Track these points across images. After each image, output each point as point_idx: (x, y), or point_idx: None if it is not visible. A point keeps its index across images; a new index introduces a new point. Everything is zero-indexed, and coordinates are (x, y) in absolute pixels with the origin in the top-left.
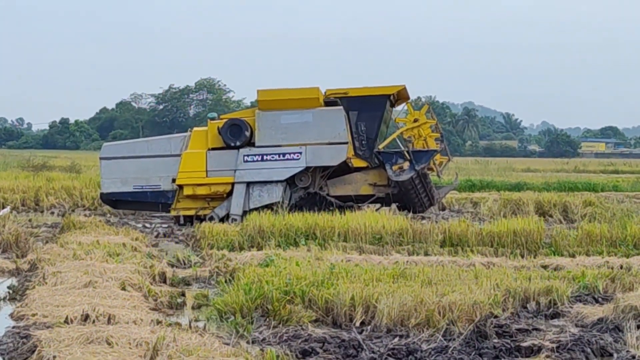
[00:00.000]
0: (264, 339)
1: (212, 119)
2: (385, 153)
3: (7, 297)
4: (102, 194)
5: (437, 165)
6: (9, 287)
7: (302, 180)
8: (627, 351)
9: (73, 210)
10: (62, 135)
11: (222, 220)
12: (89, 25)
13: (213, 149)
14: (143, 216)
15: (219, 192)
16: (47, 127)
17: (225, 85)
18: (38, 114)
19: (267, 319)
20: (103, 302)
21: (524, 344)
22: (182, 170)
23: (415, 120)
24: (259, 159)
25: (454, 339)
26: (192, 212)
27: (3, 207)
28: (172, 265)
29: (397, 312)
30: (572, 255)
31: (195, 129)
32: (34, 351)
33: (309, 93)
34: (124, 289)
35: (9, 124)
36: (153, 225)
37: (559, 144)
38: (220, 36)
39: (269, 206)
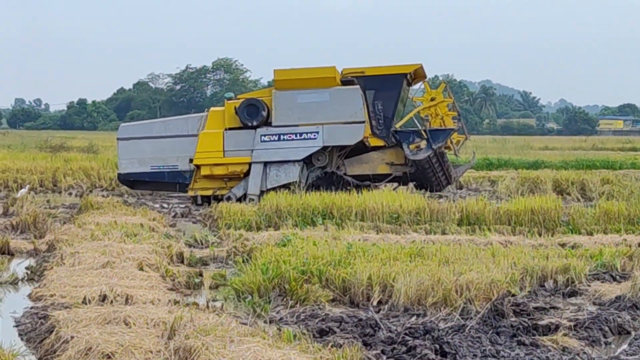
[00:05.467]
0: (281, 319)
1: (229, 98)
2: (402, 132)
3: (26, 278)
4: (119, 175)
5: (454, 144)
6: (27, 268)
7: (319, 159)
8: None
9: (91, 191)
10: (80, 116)
11: (239, 200)
12: (106, 4)
13: (230, 128)
14: (160, 196)
15: (237, 172)
16: (65, 108)
17: (242, 65)
18: (56, 95)
19: (285, 299)
20: (121, 283)
21: (542, 323)
22: (200, 150)
23: (433, 99)
24: (276, 138)
25: (472, 318)
26: (209, 192)
27: (21, 188)
28: (190, 245)
29: (414, 291)
30: (590, 234)
31: (212, 109)
32: (52, 331)
33: (326, 72)
34: (141, 269)
35: (27, 105)
36: (170, 206)
37: (577, 121)
38: (238, 15)
39: (286, 186)
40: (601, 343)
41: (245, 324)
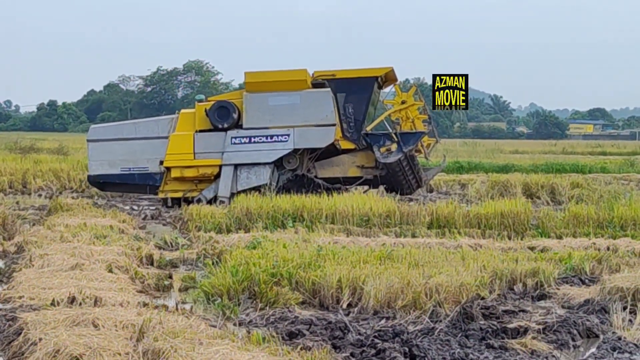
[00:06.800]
0: (250, 321)
1: (200, 101)
2: (373, 135)
3: None
4: (89, 177)
5: (424, 147)
6: None
7: (290, 162)
8: (613, 332)
9: (60, 193)
10: (50, 118)
11: (209, 202)
12: (76, 5)
13: (201, 131)
14: (131, 198)
15: (207, 174)
16: (35, 109)
17: (213, 67)
18: (26, 96)
19: (254, 301)
20: (90, 285)
21: (511, 326)
22: (170, 152)
23: (403, 102)
24: (247, 141)
25: (441, 321)
26: (179, 195)
27: None
28: (160, 248)
29: (384, 294)
30: (559, 237)
31: (182, 111)
32: (20, 333)
33: (297, 75)
34: (110, 271)
35: None
36: (140, 208)
37: (547, 125)
38: (209, 17)
39: (257, 188)
40: (570, 346)
41: (214, 326)
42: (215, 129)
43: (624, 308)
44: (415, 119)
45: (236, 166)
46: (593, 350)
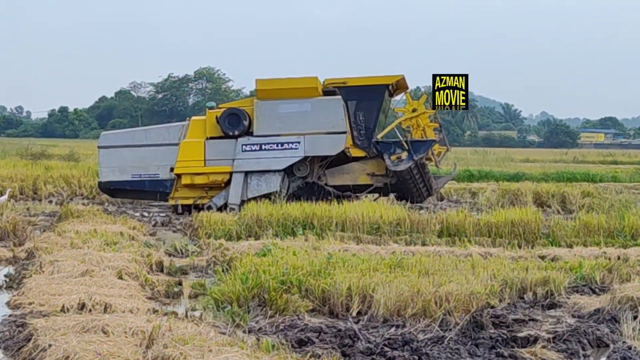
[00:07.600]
0: (260, 329)
1: (211, 108)
2: (383, 143)
3: (4, 286)
4: (100, 183)
5: (435, 155)
6: (6, 276)
7: (301, 169)
8: (624, 342)
9: (71, 199)
10: (61, 124)
11: (220, 209)
12: (88, 12)
13: (211, 138)
14: (141, 205)
15: (217, 182)
16: (47, 116)
17: (224, 74)
18: (37, 103)
19: (264, 309)
20: (100, 291)
21: (521, 335)
22: (181, 159)
23: (414, 110)
24: (257, 148)
25: (451, 329)
26: (190, 201)
27: (1, 195)
28: (170, 254)
29: (394, 302)
30: (570, 246)
31: (193, 118)
32: (29, 339)
33: (308, 82)
34: (120, 277)
35: (8, 112)
36: (151, 214)
37: (558, 134)
38: (221, 24)
39: (267, 195)
40: (580, 356)
41: (224, 333)
42: (226, 136)
43: (635, 317)
44: (426, 127)
45: (247, 173)
46: (603, 359)
